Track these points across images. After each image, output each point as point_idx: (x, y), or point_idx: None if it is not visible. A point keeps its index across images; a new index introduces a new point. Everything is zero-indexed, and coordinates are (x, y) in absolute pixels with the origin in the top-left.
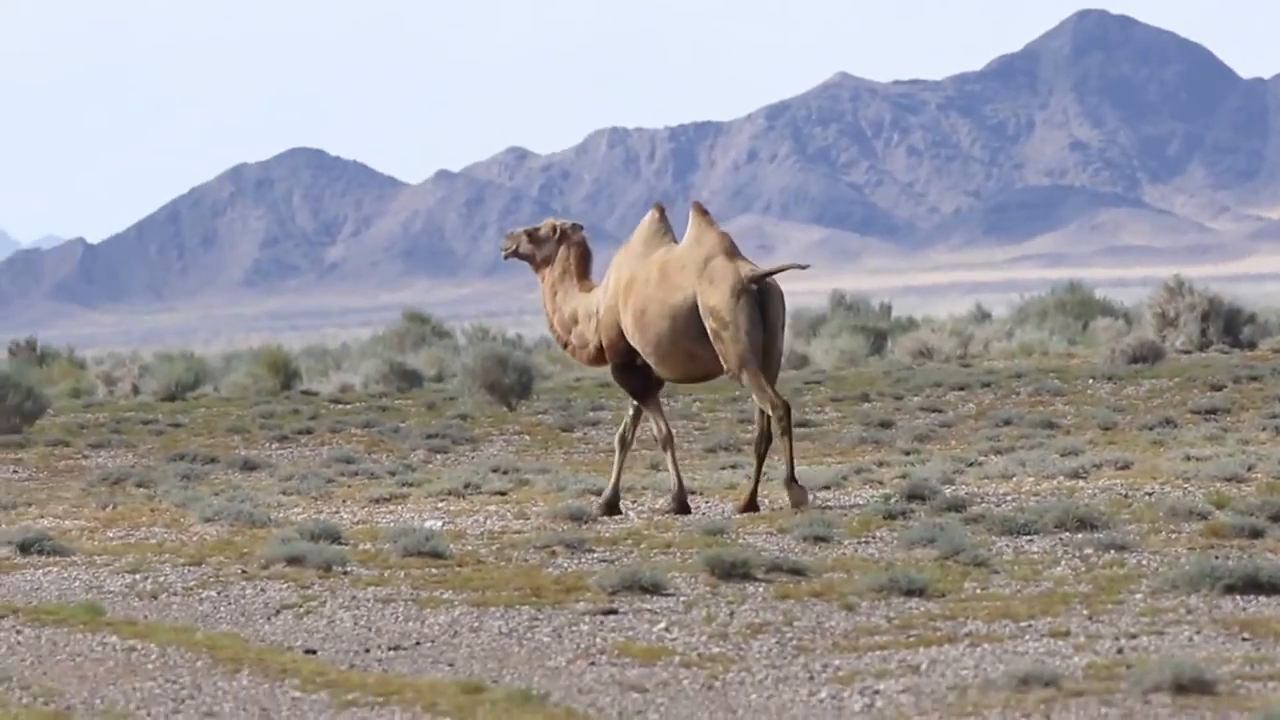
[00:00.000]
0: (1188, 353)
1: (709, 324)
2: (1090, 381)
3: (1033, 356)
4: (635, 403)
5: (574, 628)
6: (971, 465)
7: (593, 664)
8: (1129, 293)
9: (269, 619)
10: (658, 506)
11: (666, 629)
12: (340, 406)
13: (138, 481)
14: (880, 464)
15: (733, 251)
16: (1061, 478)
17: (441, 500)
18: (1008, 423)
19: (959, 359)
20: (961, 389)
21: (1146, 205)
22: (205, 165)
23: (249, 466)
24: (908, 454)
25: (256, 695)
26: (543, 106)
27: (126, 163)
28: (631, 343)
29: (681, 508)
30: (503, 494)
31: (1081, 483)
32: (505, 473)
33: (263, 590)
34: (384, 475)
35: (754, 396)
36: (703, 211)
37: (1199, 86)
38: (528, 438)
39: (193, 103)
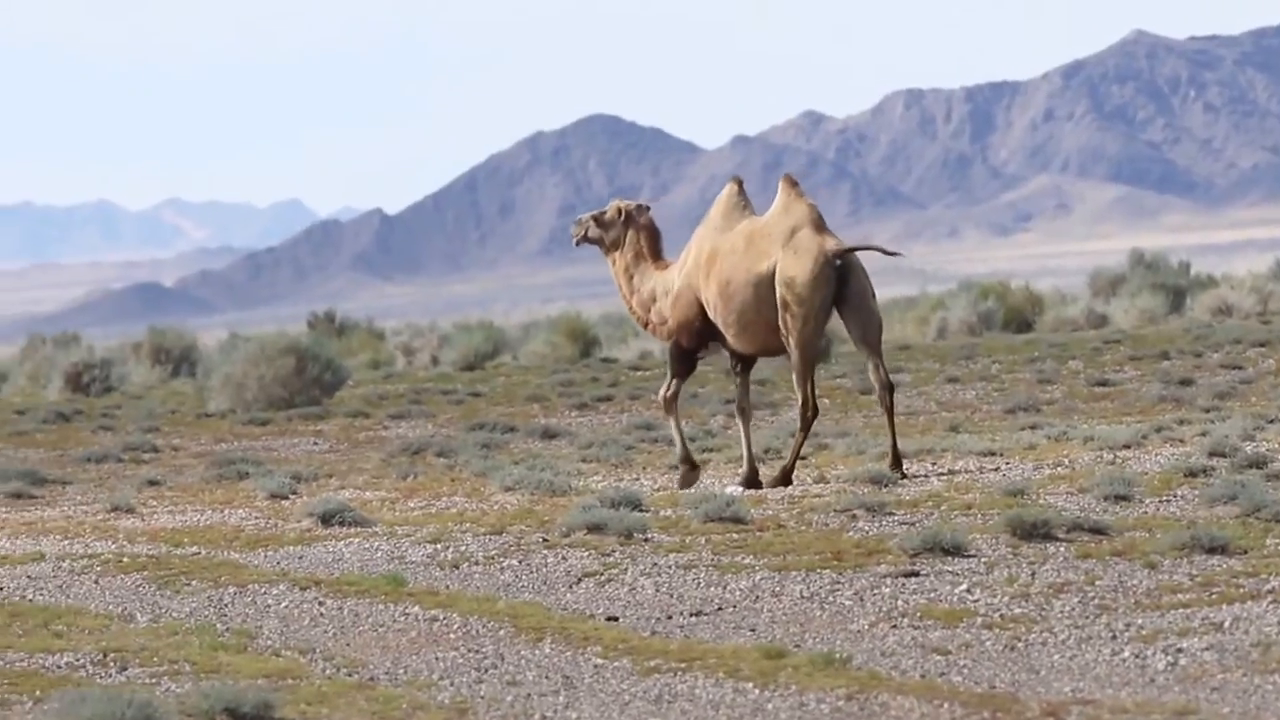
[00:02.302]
0: None
1: (781, 292)
2: None
3: None
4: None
5: (875, 590)
6: (1272, 422)
7: (895, 627)
8: None
9: (571, 587)
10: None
11: (968, 590)
12: (639, 373)
13: (438, 451)
14: (1180, 422)
15: (820, 224)
16: None
17: (738, 466)
18: None
19: (1259, 315)
20: (1262, 345)
21: None
22: (502, 134)
23: (549, 435)
24: (1208, 411)
25: (559, 663)
26: (838, 69)
27: (423, 133)
28: (712, 317)
29: (688, 476)
30: (803, 459)
31: None
32: None
33: (564, 558)
34: None
35: (794, 381)
36: (793, 183)
37: None
38: (827, 401)
39: (490, 72)
